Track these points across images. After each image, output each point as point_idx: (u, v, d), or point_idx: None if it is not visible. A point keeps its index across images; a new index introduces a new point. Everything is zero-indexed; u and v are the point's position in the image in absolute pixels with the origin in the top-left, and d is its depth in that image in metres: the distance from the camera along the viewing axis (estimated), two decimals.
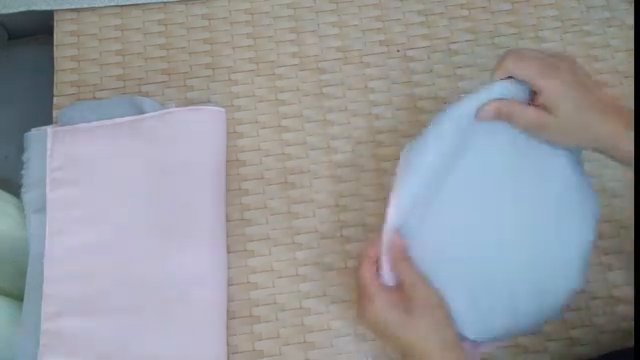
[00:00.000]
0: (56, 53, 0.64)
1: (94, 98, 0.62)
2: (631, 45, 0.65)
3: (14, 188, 0.58)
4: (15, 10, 0.64)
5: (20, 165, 0.59)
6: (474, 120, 0.46)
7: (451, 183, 0.47)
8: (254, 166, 0.61)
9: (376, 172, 0.61)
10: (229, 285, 0.57)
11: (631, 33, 0.65)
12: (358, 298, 0.46)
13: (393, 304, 0.44)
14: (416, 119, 0.63)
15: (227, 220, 0.59)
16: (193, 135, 0.59)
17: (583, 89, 0.44)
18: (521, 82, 0.45)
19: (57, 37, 0.64)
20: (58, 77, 0.63)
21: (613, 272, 0.58)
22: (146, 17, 0.65)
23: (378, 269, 0.46)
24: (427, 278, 0.45)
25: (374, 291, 0.44)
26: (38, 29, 0.82)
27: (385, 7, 0.66)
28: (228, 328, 0.56)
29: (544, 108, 0.44)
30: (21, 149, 0.59)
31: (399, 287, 0.45)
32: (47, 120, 0.61)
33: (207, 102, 0.62)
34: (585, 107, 0.43)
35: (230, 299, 0.57)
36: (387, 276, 0.45)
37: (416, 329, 0.43)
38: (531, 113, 0.44)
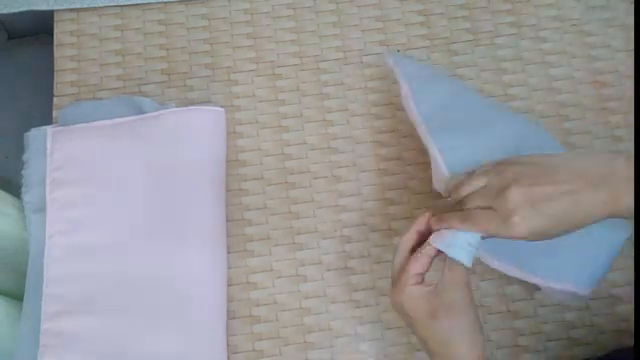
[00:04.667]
0: (56, 53, 0.64)
1: (94, 98, 0.62)
2: (631, 45, 0.65)
3: (14, 188, 0.58)
4: (15, 10, 0.64)
5: (20, 165, 0.59)
6: None
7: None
8: (254, 166, 0.61)
9: (376, 172, 0.61)
10: (229, 285, 0.57)
11: (631, 33, 0.65)
12: (392, 280, 0.44)
13: (421, 300, 0.42)
14: None
15: (227, 220, 0.59)
16: (193, 135, 0.59)
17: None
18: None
19: (57, 37, 0.64)
20: (58, 77, 0.63)
21: (613, 272, 0.58)
22: (146, 17, 0.65)
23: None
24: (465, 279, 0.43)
25: (406, 280, 0.43)
26: (38, 29, 0.82)
27: (385, 7, 0.66)
28: (228, 328, 0.56)
29: None
30: (21, 149, 0.59)
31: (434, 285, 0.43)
32: (47, 120, 0.61)
33: (207, 102, 0.62)
34: None
35: (230, 299, 0.57)
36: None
37: (440, 330, 0.42)
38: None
